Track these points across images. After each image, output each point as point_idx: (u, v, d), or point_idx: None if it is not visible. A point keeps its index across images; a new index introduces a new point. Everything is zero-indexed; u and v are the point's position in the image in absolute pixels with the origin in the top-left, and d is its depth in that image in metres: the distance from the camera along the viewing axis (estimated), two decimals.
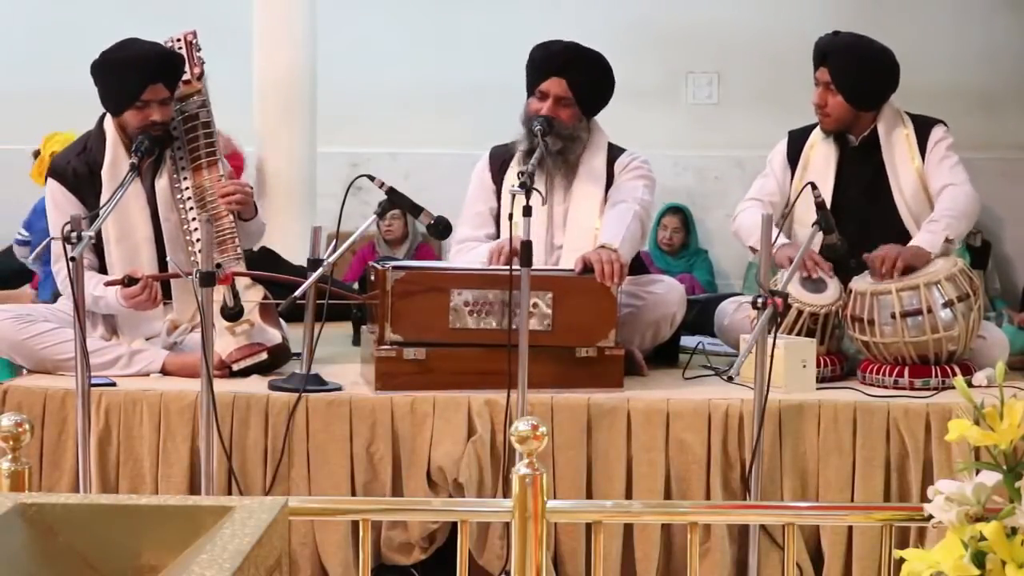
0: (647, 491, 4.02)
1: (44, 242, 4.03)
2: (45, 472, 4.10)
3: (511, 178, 4.61)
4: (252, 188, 4.53)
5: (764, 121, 7.24)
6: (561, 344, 4.12)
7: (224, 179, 4.40)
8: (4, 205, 7.72)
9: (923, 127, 4.66)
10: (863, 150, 4.67)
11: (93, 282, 4.25)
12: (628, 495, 4.04)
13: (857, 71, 4.57)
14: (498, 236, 4.64)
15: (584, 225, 4.54)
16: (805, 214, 4.43)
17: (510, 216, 4.08)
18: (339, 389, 4.14)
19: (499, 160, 4.73)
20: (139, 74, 4.31)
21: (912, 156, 4.62)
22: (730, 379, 3.78)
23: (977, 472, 2.25)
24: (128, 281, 4.19)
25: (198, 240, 4.17)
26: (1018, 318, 6.88)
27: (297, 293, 4.01)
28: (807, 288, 4.42)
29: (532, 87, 4.56)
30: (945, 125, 4.68)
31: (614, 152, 4.64)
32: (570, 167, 4.56)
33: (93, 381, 3.89)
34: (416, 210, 4.25)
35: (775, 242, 4.16)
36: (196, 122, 4.43)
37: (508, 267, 4.08)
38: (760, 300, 3.76)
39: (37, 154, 6.38)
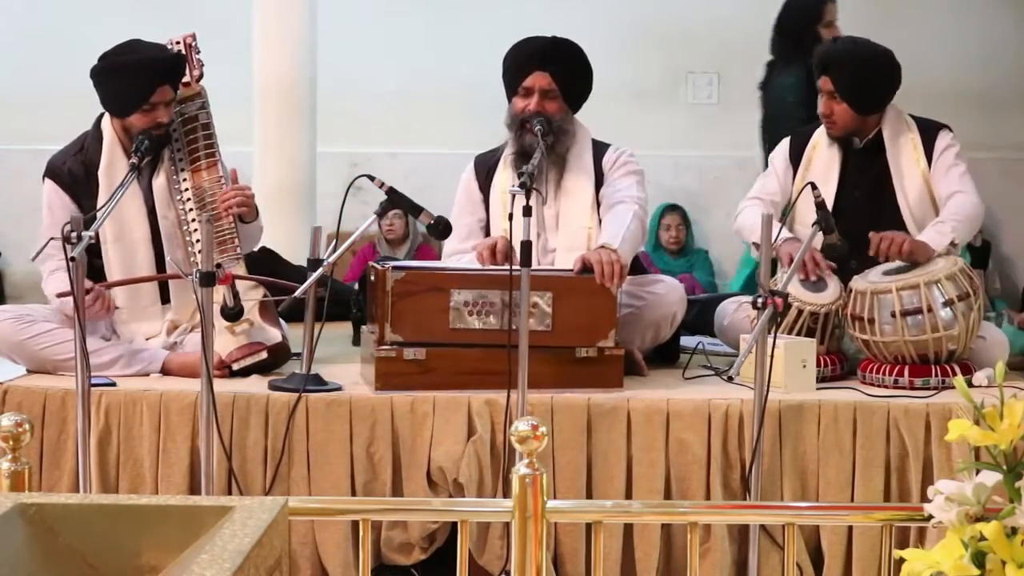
0: (647, 491, 4.02)
1: (46, 243, 4.03)
2: (45, 472, 4.09)
3: (499, 184, 4.61)
4: (252, 192, 4.53)
5: None
6: (561, 344, 4.12)
7: (224, 180, 4.40)
8: (3, 205, 7.76)
9: (929, 131, 4.65)
10: (867, 152, 4.66)
11: (51, 287, 4.24)
12: (628, 495, 4.04)
13: (859, 79, 4.55)
14: None
15: (576, 225, 4.52)
16: (807, 214, 4.42)
17: (510, 216, 4.07)
18: (339, 389, 4.14)
19: (484, 168, 4.71)
20: (148, 77, 4.30)
21: (918, 159, 4.61)
22: (730, 379, 3.78)
23: (977, 472, 2.25)
24: None
25: (198, 241, 4.17)
26: (1018, 318, 6.88)
27: (297, 293, 4.02)
28: (807, 287, 4.42)
29: (514, 86, 4.54)
30: (950, 130, 4.67)
31: (599, 148, 4.62)
32: (560, 163, 4.55)
33: (93, 381, 3.89)
34: (416, 210, 4.25)
35: (778, 236, 4.17)
36: (196, 123, 4.43)
37: (508, 267, 4.09)
38: (760, 300, 3.76)
39: None
